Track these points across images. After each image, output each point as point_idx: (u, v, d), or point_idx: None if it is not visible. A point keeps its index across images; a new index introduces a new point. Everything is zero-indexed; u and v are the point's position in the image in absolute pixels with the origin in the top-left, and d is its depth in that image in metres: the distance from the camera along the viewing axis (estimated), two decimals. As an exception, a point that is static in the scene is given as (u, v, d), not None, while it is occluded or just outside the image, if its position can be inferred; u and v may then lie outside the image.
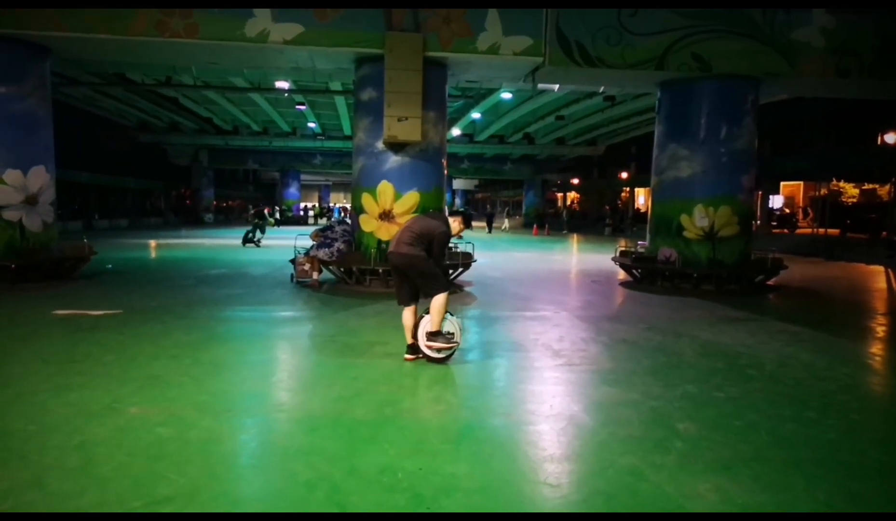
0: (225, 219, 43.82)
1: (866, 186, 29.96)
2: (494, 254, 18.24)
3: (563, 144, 35.06)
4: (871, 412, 4.78)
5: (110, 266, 13.19)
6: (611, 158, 39.02)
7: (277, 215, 38.96)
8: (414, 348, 5.84)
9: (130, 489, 3.15)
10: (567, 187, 50.31)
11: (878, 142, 21.53)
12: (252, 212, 23.27)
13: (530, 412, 4.55)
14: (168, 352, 5.92)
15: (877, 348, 7.22)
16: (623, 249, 13.09)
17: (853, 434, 4.14)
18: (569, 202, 53.72)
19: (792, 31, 10.65)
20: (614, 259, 13.04)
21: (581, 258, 19.75)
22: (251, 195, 56.19)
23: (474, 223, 40.37)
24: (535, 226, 37.17)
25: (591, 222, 39.91)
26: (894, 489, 3.32)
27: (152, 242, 20.75)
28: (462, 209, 6.29)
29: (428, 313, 5.72)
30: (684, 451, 3.79)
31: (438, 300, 5.62)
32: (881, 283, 13.62)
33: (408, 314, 5.86)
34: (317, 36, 9.98)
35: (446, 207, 5.98)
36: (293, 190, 45.75)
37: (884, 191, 26.69)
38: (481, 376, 5.77)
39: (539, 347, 6.60)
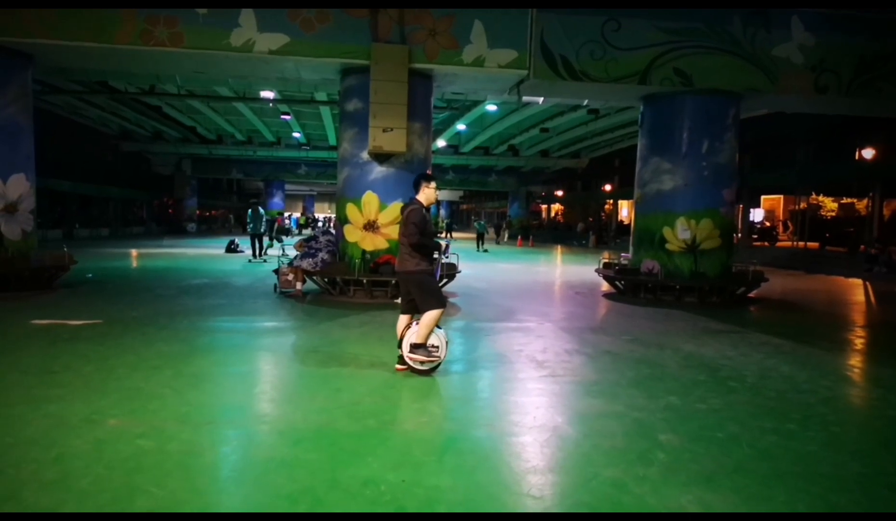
0: (208, 228, 43.46)
1: (845, 201, 30.42)
2: (479, 265, 18.27)
3: (548, 156, 35.29)
4: (850, 425, 4.83)
5: (90, 276, 13.03)
6: (595, 170, 39.29)
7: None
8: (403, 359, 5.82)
9: (109, 502, 3.10)
10: (551, 199, 50.57)
11: (856, 157, 21.89)
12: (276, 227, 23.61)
13: (514, 424, 4.55)
14: (149, 363, 5.85)
15: (856, 361, 7.31)
16: (606, 261, 13.17)
17: (833, 446, 4.18)
18: (553, 214, 53.99)
19: (772, 47, 10.84)
20: (598, 271, 13.11)
21: (565, 270, 19.83)
22: (235, 205, 55.81)
23: (458, 234, 40.39)
24: (519, 237, 37.29)
25: (574, 234, 40.11)
26: (874, 501, 3.35)
27: (134, 252, 20.54)
28: (423, 173, 6.24)
29: (418, 324, 5.72)
30: (667, 463, 3.80)
31: (430, 315, 5.62)
32: (860, 296, 13.82)
33: (402, 322, 5.84)
34: (302, 46, 9.99)
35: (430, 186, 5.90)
36: (277, 200, 45.56)
37: (862, 205, 27.12)
38: (465, 387, 5.76)
39: (523, 358, 6.61)
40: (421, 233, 5.55)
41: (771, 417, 4.74)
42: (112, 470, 3.47)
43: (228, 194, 57.26)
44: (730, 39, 10.74)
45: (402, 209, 5.90)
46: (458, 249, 15.89)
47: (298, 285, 10.76)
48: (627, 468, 3.70)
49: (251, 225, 18.36)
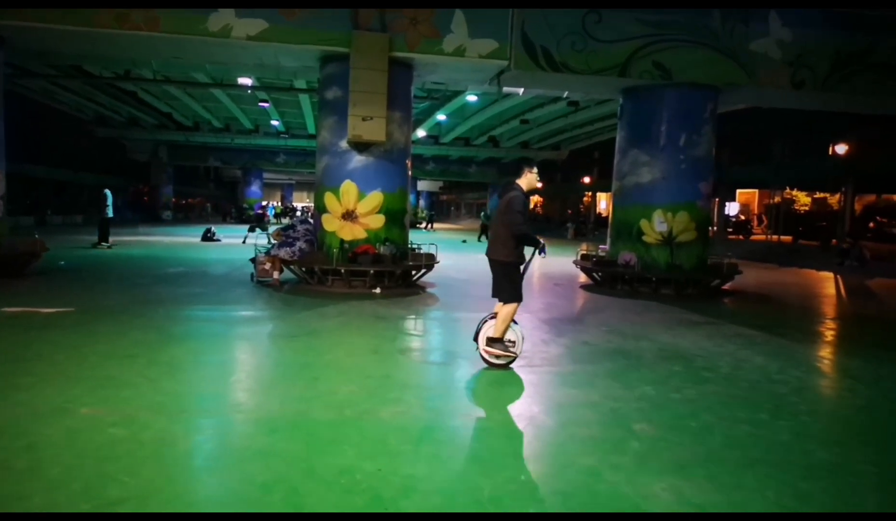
0: (184, 217, 42.91)
1: (818, 195, 30.97)
2: (458, 256, 18.27)
3: (528, 147, 35.37)
4: (820, 414, 4.93)
5: (63, 263, 12.80)
6: (574, 162, 39.50)
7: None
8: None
9: (80, 491, 3.05)
10: (531, 191, 50.71)
11: (830, 153, 22.27)
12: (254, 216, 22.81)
13: (490, 413, 4.57)
14: (123, 352, 5.77)
15: (826, 352, 7.45)
16: (584, 252, 13.25)
17: (803, 435, 4.26)
18: (532, 206, 54.18)
19: (750, 42, 10.94)
20: (576, 262, 13.19)
21: (544, 262, 19.91)
22: (212, 193, 55.18)
23: (440, 225, 40.43)
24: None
25: (554, 226, 40.30)
26: (841, 489, 3.42)
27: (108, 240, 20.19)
28: (525, 158, 6.02)
29: (494, 318, 5.65)
30: (641, 452, 3.85)
31: (507, 309, 5.54)
32: (831, 289, 14.08)
33: (498, 307, 5.68)
34: (282, 33, 9.87)
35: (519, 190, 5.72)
36: (255, 188, 45.11)
37: (834, 200, 27.62)
38: (443, 376, 5.79)
39: (501, 348, 6.61)
40: (524, 219, 5.40)
41: (743, 406, 4.82)
42: (83, 459, 3.42)
43: (205, 182, 56.58)
44: (709, 33, 10.82)
45: (501, 195, 5.69)
46: (439, 239, 15.87)
47: (276, 275, 10.67)
48: (602, 457, 3.74)
49: (107, 209, 17.08)
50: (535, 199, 53.52)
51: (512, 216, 5.38)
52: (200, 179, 55.61)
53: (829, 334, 8.63)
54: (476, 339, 5.74)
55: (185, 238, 21.98)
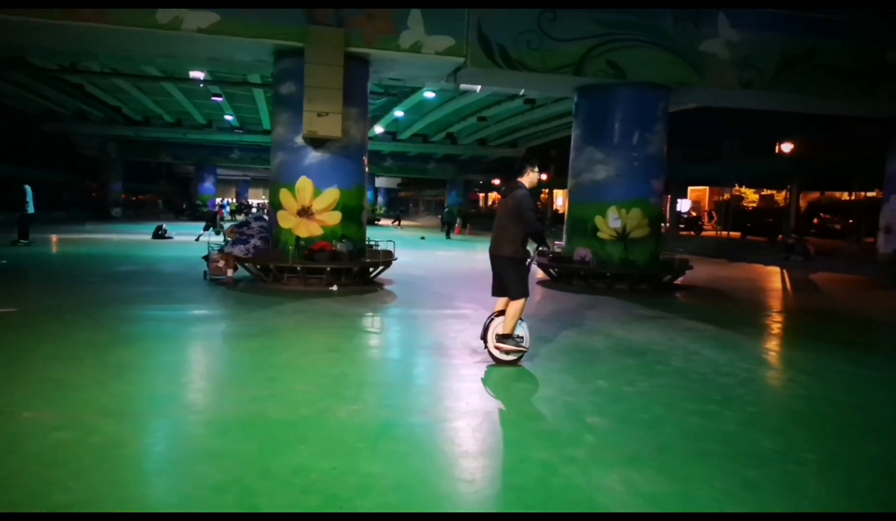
0: (135, 214, 41.73)
1: (765, 193, 31.95)
2: (417, 253, 18.26)
3: (486, 145, 35.53)
4: (766, 405, 5.09)
5: (5, 262, 12.31)
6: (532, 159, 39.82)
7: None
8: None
9: (23, 497, 2.95)
10: (489, 188, 50.99)
11: (777, 151, 23.00)
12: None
13: (448, 409, 4.58)
14: (69, 353, 5.59)
15: (772, 344, 7.70)
16: (541, 248, 13.38)
17: (750, 425, 4.39)
18: (490, 203, 54.48)
19: (700, 43, 11.22)
20: (532, 259, 13.28)
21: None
22: (164, 190, 53.86)
23: (404, 222, 40.35)
24: (456, 226, 37.43)
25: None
26: (785, 476, 3.54)
27: (54, 238, 19.51)
28: (527, 157, 6.16)
29: (501, 315, 5.70)
30: (595, 444, 3.92)
31: (516, 305, 5.60)
32: (777, 283, 14.55)
33: (499, 305, 5.82)
34: (234, 26, 9.66)
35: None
36: (209, 185, 44.14)
37: (780, 197, 28.53)
38: (400, 374, 5.77)
39: (458, 344, 6.65)
40: (533, 218, 5.57)
41: (694, 398, 4.94)
42: (26, 464, 3.30)
43: (157, 179, 55.18)
44: (661, 34, 11.05)
45: (504, 194, 5.84)
46: (398, 236, 15.83)
47: (230, 272, 10.48)
48: (557, 450, 3.79)
49: (27, 205, 16.25)
50: (493, 196, 53.80)
51: (527, 215, 5.55)
52: (152, 176, 54.21)
53: (775, 327, 8.92)
54: (484, 338, 5.82)
55: (136, 236, 21.40)
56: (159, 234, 20.34)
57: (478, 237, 29.84)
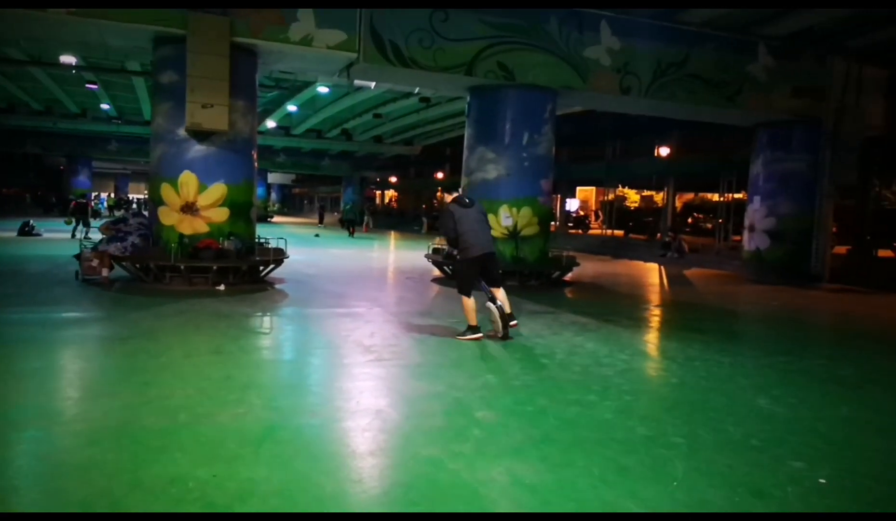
0: (-2, 209, 38.17)
1: (645, 193, 33.90)
2: (310, 250, 17.89)
3: (381, 142, 35.35)
4: (641, 393, 5.39)
5: None
6: (428, 158, 40.07)
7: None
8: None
9: None
10: (385, 185, 50.82)
11: (655, 154, 24.41)
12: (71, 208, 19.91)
13: (337, 409, 4.52)
14: None
15: (650, 336, 8.18)
16: (436, 246, 13.50)
17: (625, 413, 4.64)
18: (387, 200, 54.32)
19: (584, 49, 11.71)
20: (427, 256, 13.40)
21: (397, 256, 20.06)
22: (31, 183, 49.59)
23: (287, 219, 39.18)
24: (366, 222, 36.94)
25: (409, 220, 40.64)
26: (655, 460, 3.76)
27: None
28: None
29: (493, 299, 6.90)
30: (481, 438, 3.99)
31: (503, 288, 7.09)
32: (655, 278, 15.48)
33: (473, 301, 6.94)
34: (108, 10, 9.01)
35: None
36: (83, 178, 41.05)
37: (659, 197, 30.35)
38: (290, 375, 5.65)
39: (350, 343, 6.58)
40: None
41: (575, 389, 5.16)
42: None
43: (24, 171, 50.66)
44: (547, 38, 11.43)
45: (464, 204, 6.99)
46: (290, 234, 15.42)
47: (105, 272, 9.81)
48: (445, 446, 3.83)
49: None
50: (389, 193, 53.68)
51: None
52: (17, 167, 49.70)
53: (652, 320, 9.48)
54: (505, 322, 6.86)
55: (-2, 233, 19.58)
56: (26, 230, 18.72)
57: (378, 235, 29.71)
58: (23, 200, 43.92)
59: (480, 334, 6.84)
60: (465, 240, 6.82)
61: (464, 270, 7.08)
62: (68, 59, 18.37)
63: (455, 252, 7.18)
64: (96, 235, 13.33)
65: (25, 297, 8.65)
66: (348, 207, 31.78)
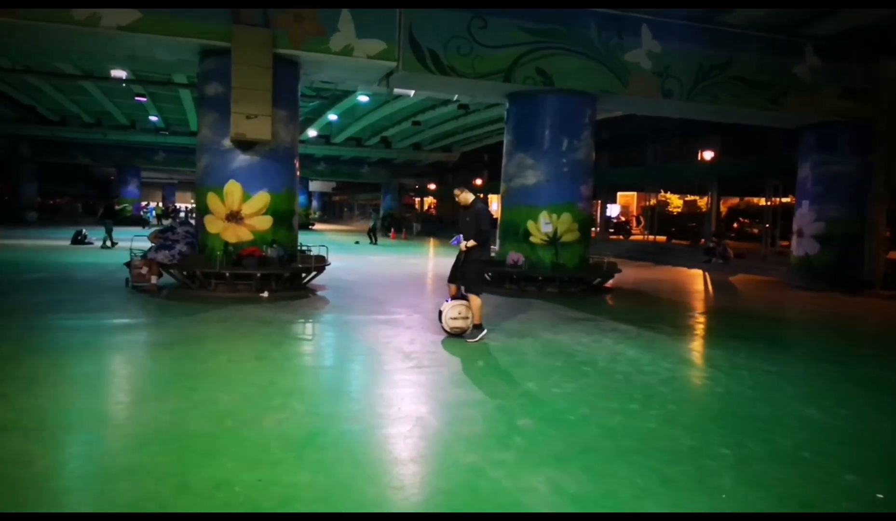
0: (51, 218, 39.60)
1: (688, 198, 33.26)
2: (350, 257, 18.09)
3: (420, 149, 35.55)
4: (685, 402, 5.29)
5: None
6: (465, 164, 40.14)
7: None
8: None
9: (-88, 525, 2.74)
10: (424, 192, 51.06)
11: (699, 158, 23.95)
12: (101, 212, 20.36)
13: (378, 416, 4.55)
14: (-29, 367, 5.24)
15: (693, 344, 8.02)
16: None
17: (669, 423, 4.55)
18: (426, 207, 54.54)
19: (624, 53, 11.59)
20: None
21: (436, 262, 20.11)
22: (83, 193, 51.33)
23: (328, 226, 39.67)
24: (392, 230, 37.27)
25: (446, 225, 40.75)
26: (701, 471, 3.68)
27: (-41, 243, 18.32)
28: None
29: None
30: (523, 446, 3.97)
31: None
32: (699, 285, 15.17)
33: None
34: (156, 24, 9.30)
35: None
36: (133, 188, 42.27)
37: (702, 202, 29.76)
38: (331, 381, 5.71)
39: (390, 350, 6.62)
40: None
41: (617, 398, 5.08)
42: (-81, 489, 3.08)
43: (75, 181, 52.46)
44: (586, 43, 11.36)
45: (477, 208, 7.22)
46: (331, 241, 15.61)
47: (153, 279, 10.08)
48: (485, 454, 3.82)
49: None
50: (427, 200, 53.90)
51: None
52: (69, 177, 51.51)
53: (696, 327, 9.29)
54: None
55: (52, 241, 20.30)
56: (79, 239, 19.39)
57: (417, 241, 29.85)
58: (74, 209, 45.44)
59: (486, 331, 7.13)
60: (488, 240, 7.21)
61: (482, 269, 7.46)
62: (118, 72, 18.99)
63: (470, 250, 7.07)
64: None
65: (78, 303, 8.95)
66: (377, 215, 31.92)
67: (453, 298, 7.19)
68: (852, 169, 13.87)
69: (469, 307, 7.07)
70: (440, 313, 7.17)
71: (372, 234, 27.30)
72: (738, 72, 12.31)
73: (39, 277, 11.52)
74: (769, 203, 21.84)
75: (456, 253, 7.34)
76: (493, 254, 12.80)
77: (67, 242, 19.15)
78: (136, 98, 24.17)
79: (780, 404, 5.17)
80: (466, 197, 7.24)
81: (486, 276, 12.50)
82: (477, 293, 7.09)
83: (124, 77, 19.70)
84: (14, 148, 35.51)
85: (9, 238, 21.24)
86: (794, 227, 14.97)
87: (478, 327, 7.07)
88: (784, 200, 20.77)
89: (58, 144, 35.73)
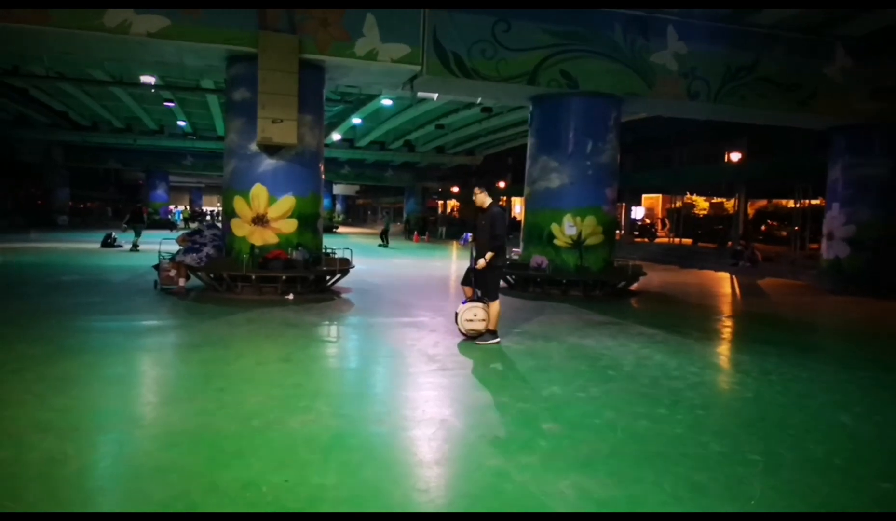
0: (82, 222, 40.41)
1: (715, 200, 32.81)
2: (373, 260, 18.18)
3: (443, 152, 35.63)
4: (713, 408, 5.22)
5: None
6: (489, 167, 40.10)
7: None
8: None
9: (-47, 521, 2.82)
10: (447, 195, 51.10)
11: (725, 159, 23.64)
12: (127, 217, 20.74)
13: (403, 418, 4.56)
14: (6, 367, 5.37)
15: (721, 348, 7.91)
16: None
17: (697, 428, 4.50)
18: (449, 210, 54.55)
19: (649, 54, 11.50)
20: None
21: (459, 265, 20.10)
22: (112, 197, 52.30)
23: (352, 229, 39.91)
24: (415, 233, 37.37)
25: (469, 228, 40.76)
26: (730, 478, 3.63)
27: (-6, 246, 18.76)
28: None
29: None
30: (548, 450, 3.95)
31: None
32: (726, 288, 14.96)
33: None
34: (185, 30, 9.48)
35: None
36: (161, 192, 43.05)
37: (730, 204, 29.34)
38: (356, 383, 5.74)
39: (415, 352, 6.64)
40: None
41: (644, 402, 5.03)
42: (-42, 486, 3.16)
43: (105, 185, 53.51)
44: (611, 45, 11.29)
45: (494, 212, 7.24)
46: (355, 244, 15.74)
47: (181, 282, 10.23)
48: (510, 458, 3.81)
49: None
50: (451, 203, 53.92)
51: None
52: (100, 182, 52.54)
53: (723, 331, 9.17)
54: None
55: (83, 244, 20.71)
56: (108, 242, 19.76)
57: (436, 245, 29.88)
58: (104, 213, 46.33)
59: (498, 339, 7.10)
60: (503, 246, 7.13)
61: (498, 276, 7.53)
62: (148, 79, 19.39)
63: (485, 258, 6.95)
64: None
65: (109, 306, 9.12)
66: (389, 218, 32.05)
67: (469, 300, 7.19)
68: (884, 171, 13.59)
69: (485, 310, 7.04)
70: (456, 314, 7.17)
71: (384, 236, 27.44)
72: (766, 73, 12.14)
73: (72, 279, 11.77)
74: (798, 205, 21.48)
75: (468, 254, 7.48)
76: (515, 257, 12.81)
77: (97, 246, 19.52)
78: (165, 104, 24.61)
79: (811, 411, 5.08)
80: (484, 199, 7.23)
81: (508, 279, 12.54)
82: (495, 299, 7.08)
83: (153, 83, 20.08)
84: (47, 153, 36.36)
85: (42, 241, 21.72)
86: (825, 230, 14.70)
87: (492, 333, 7.07)
88: (813, 202, 20.40)
89: (89, 149, 36.52)
